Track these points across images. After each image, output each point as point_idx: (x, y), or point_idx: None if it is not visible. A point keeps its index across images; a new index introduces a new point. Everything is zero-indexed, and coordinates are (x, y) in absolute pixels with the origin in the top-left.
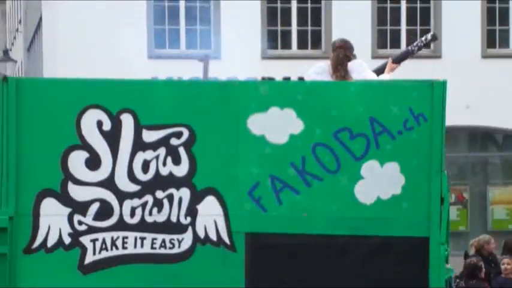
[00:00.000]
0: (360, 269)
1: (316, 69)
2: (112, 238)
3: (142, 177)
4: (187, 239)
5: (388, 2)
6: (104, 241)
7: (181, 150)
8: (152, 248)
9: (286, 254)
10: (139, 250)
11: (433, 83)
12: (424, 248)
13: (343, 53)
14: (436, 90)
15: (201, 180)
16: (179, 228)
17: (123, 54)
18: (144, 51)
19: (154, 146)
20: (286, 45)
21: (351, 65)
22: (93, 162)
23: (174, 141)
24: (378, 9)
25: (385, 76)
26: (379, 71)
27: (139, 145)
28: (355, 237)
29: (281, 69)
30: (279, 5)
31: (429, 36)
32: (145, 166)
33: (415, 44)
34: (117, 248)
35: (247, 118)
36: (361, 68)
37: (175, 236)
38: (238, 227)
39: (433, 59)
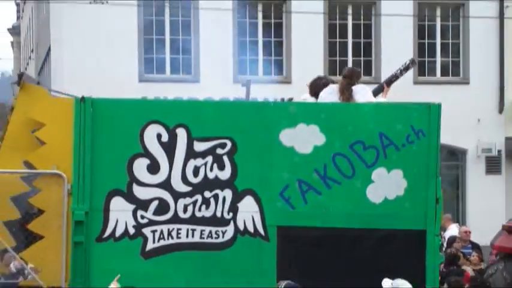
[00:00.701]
0: (370, 255)
1: (328, 90)
2: (168, 229)
3: (193, 180)
4: (229, 231)
5: (338, 37)
6: (161, 232)
7: (225, 158)
8: (201, 238)
9: (310, 243)
10: (190, 239)
11: (430, 105)
12: (422, 239)
13: (347, 81)
14: (432, 111)
15: (241, 182)
16: (223, 222)
17: (118, 78)
18: (136, 75)
19: (203, 154)
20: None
21: (355, 88)
22: (153, 168)
23: (219, 151)
24: (329, 44)
25: (382, 98)
26: (375, 92)
27: (191, 154)
28: (367, 230)
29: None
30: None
31: (408, 61)
32: (196, 171)
33: (398, 69)
34: (172, 237)
35: (279, 132)
36: (364, 92)
37: (219, 228)
38: (271, 221)
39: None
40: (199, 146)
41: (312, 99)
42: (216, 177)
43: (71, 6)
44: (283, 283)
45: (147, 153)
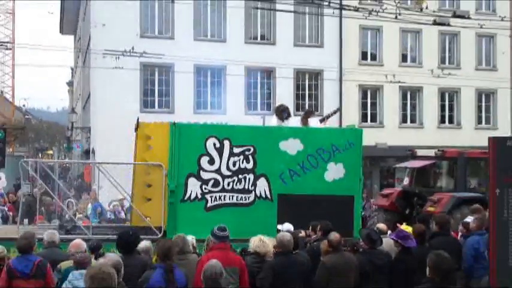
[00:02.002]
0: (326, 209)
1: (297, 121)
2: (219, 196)
3: (232, 168)
4: (251, 196)
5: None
6: (215, 197)
7: (250, 157)
8: (236, 200)
9: (294, 203)
10: (231, 201)
11: (356, 129)
12: (352, 201)
13: (304, 116)
14: (357, 132)
15: (258, 170)
16: (248, 191)
17: (129, 109)
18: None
19: (238, 154)
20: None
21: (309, 120)
22: (211, 161)
23: (247, 152)
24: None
25: (322, 125)
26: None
27: (232, 154)
28: (324, 195)
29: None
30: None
31: (334, 109)
32: (234, 163)
33: (327, 113)
34: (221, 200)
35: (279, 143)
36: (315, 121)
37: (246, 195)
38: (274, 191)
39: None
40: (236, 150)
41: (275, 119)
42: (245, 167)
43: (103, 69)
44: (280, 226)
45: (207, 153)
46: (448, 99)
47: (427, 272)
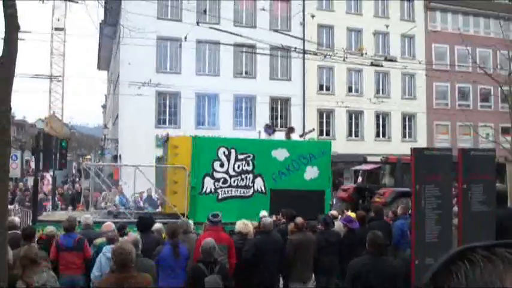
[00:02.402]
0: (305, 200)
1: (282, 135)
2: (228, 190)
3: (237, 170)
4: (251, 191)
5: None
6: (225, 191)
7: (250, 162)
8: (240, 193)
9: (282, 196)
10: (236, 194)
11: (327, 141)
12: (324, 194)
13: (288, 132)
14: (327, 144)
15: (256, 171)
16: (249, 187)
17: (147, 125)
18: (153, 125)
19: (242, 160)
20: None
21: (291, 134)
22: (221, 165)
23: (248, 159)
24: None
25: (301, 139)
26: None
27: (237, 159)
28: (303, 190)
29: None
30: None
31: (310, 128)
32: (238, 166)
33: (306, 131)
34: (229, 193)
35: (271, 151)
36: (295, 135)
37: (247, 190)
38: (268, 187)
39: None
40: (240, 156)
41: (264, 134)
42: (247, 169)
43: (128, 96)
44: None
45: (219, 159)
46: (382, 120)
47: (366, 246)
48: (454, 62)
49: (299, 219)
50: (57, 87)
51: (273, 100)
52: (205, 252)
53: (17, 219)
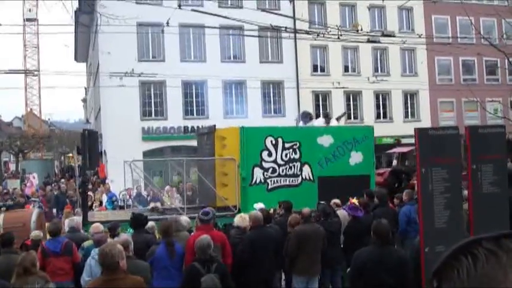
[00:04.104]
0: (352, 185)
1: (315, 122)
2: (276, 180)
3: (285, 159)
4: (299, 179)
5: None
6: (274, 181)
7: (297, 149)
8: (289, 182)
9: (329, 182)
10: (285, 183)
11: (370, 126)
12: (369, 178)
13: (326, 120)
14: (370, 129)
15: (303, 159)
16: (297, 175)
17: (132, 118)
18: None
19: (288, 148)
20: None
21: (330, 120)
22: (269, 154)
23: (294, 146)
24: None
25: (337, 123)
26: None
27: (284, 148)
28: (349, 175)
29: None
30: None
31: (343, 112)
32: (286, 155)
33: (339, 115)
34: (278, 183)
35: (316, 138)
36: (333, 121)
37: (296, 178)
38: (315, 174)
39: None
40: (287, 145)
41: (301, 123)
42: (294, 157)
43: (109, 88)
44: (256, 204)
45: (267, 149)
46: (382, 100)
47: (371, 235)
48: (456, 34)
49: (305, 210)
50: (33, 82)
51: (265, 84)
52: (200, 249)
53: None
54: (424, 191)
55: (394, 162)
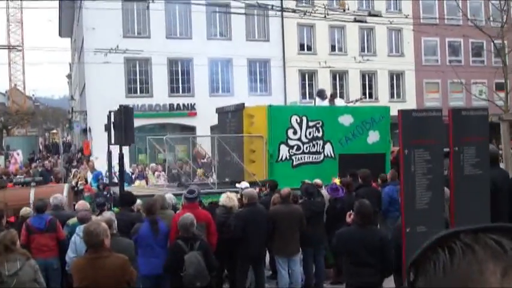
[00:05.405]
0: (369, 161)
1: (325, 102)
2: (301, 157)
3: (309, 137)
4: (322, 156)
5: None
6: (298, 157)
7: (320, 128)
8: (312, 159)
9: (350, 159)
10: (308, 160)
11: (387, 107)
12: (384, 156)
13: (330, 98)
14: (386, 109)
15: (326, 137)
16: (320, 153)
17: (117, 95)
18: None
19: (312, 127)
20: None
21: (335, 100)
22: (294, 132)
23: (317, 125)
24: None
25: (349, 104)
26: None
27: (307, 126)
28: (368, 153)
29: None
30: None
31: (360, 96)
32: (309, 133)
33: (355, 98)
34: (302, 159)
35: (338, 117)
36: (340, 101)
37: (318, 155)
38: (336, 152)
39: None
40: (310, 123)
41: (318, 99)
42: (317, 136)
43: (94, 64)
44: (238, 184)
45: (292, 127)
46: (368, 80)
47: (354, 215)
48: (443, 15)
49: (285, 190)
50: (17, 58)
51: (251, 62)
52: (183, 228)
53: None
54: (407, 172)
55: None
